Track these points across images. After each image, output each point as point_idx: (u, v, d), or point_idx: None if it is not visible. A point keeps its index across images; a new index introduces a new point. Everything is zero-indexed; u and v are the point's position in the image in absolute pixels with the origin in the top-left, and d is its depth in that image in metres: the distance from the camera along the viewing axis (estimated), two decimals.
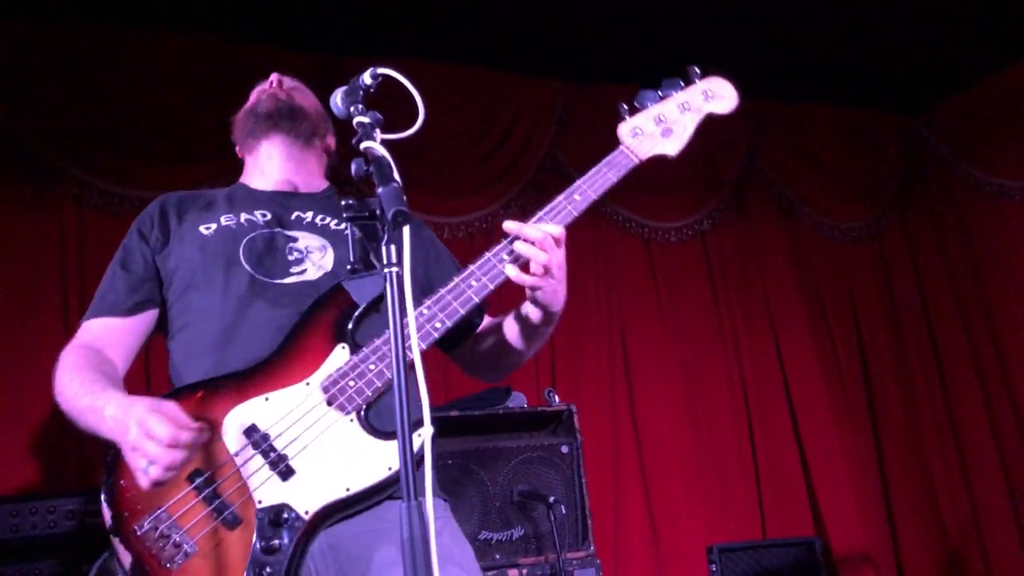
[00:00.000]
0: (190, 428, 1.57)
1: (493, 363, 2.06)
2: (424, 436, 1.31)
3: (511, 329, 1.95)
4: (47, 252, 4.02)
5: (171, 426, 1.55)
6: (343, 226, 1.97)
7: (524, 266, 1.78)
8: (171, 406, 1.61)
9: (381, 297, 1.75)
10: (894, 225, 6.22)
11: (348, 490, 1.65)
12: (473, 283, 1.77)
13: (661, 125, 1.94)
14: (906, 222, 6.26)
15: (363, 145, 1.52)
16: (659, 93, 1.97)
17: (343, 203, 1.55)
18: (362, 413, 1.71)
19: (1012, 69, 5.67)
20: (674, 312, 5.36)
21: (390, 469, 1.66)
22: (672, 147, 1.96)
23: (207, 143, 4.12)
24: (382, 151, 1.50)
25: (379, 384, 1.71)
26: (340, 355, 1.74)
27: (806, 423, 5.42)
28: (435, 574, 1.20)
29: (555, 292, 1.82)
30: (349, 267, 1.83)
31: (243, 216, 1.98)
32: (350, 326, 1.76)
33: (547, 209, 1.84)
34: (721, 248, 5.61)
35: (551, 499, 3.44)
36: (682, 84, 1.99)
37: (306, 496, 1.64)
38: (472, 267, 1.80)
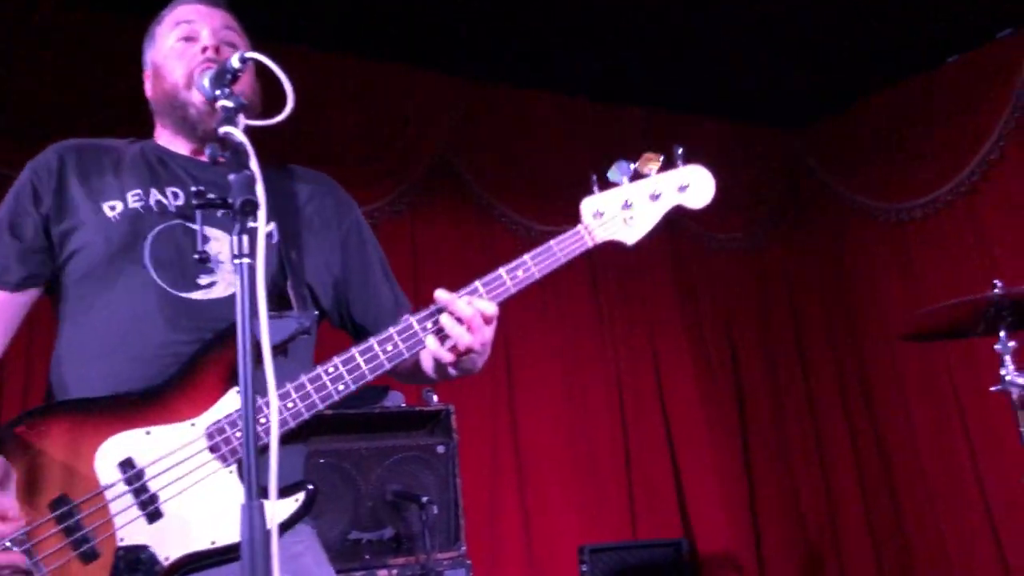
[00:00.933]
0: (9, 520, 1.50)
1: (400, 377, 1.95)
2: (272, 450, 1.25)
3: (427, 363, 1.83)
4: None
5: None
6: (269, 226, 1.79)
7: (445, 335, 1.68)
8: (8, 494, 1.53)
9: (287, 342, 1.66)
10: (771, 238, 6.47)
11: (213, 543, 1.58)
12: (389, 348, 1.66)
13: (625, 212, 1.82)
14: (783, 236, 6.51)
15: (223, 130, 1.46)
16: (634, 167, 1.84)
17: (193, 190, 1.48)
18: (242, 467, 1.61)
19: (886, 93, 5.99)
20: (557, 316, 5.43)
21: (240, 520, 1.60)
22: (631, 236, 1.83)
23: (85, 119, 3.94)
24: (241, 137, 1.43)
25: (266, 439, 1.56)
26: (232, 400, 1.62)
27: (678, 428, 5.59)
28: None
29: (475, 364, 1.74)
30: (197, 255, 1.68)
31: (153, 196, 1.77)
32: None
33: (485, 280, 1.72)
34: (604, 253, 5.65)
35: (424, 499, 3.42)
36: (662, 160, 1.85)
37: (169, 542, 1.57)
38: (392, 330, 1.68)
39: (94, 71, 4.02)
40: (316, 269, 1.86)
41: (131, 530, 1.56)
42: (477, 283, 1.73)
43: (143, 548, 1.56)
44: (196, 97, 1.78)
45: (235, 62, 1.57)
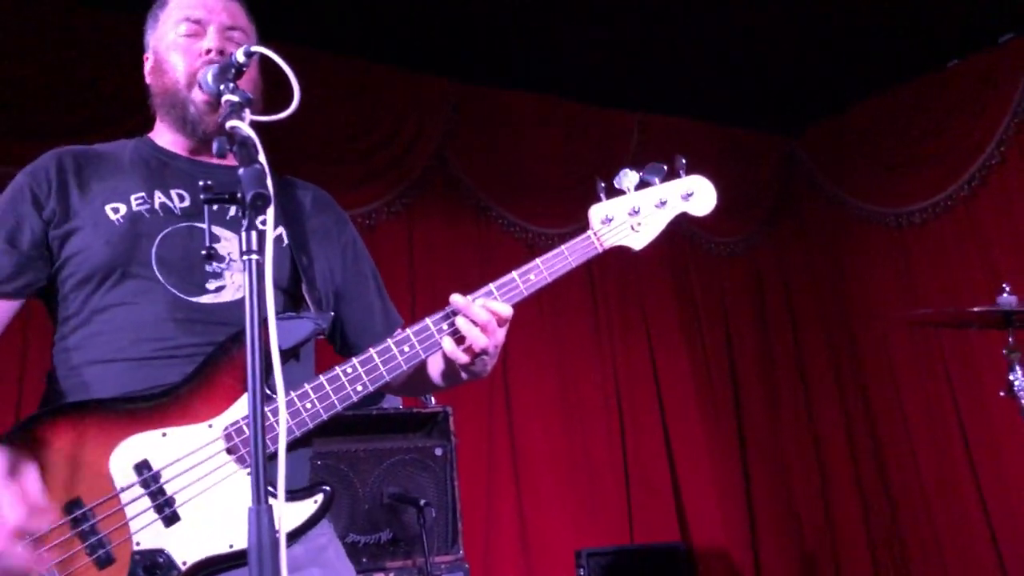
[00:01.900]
0: (46, 517, 1.45)
1: (404, 388, 1.95)
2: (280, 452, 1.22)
3: (435, 369, 1.84)
4: None
5: (23, 510, 1.42)
6: (277, 230, 1.77)
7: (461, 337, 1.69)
8: (33, 481, 1.47)
9: (303, 343, 1.65)
10: (767, 241, 6.46)
11: (231, 546, 1.55)
12: (406, 349, 1.66)
13: (633, 218, 1.88)
14: (778, 239, 6.51)
15: (229, 124, 1.43)
16: (640, 176, 1.88)
17: (201, 183, 1.44)
18: None
19: (885, 97, 5.98)
20: (554, 317, 5.41)
21: (277, 532, 1.58)
22: (638, 242, 1.89)
23: (76, 116, 3.90)
24: (248, 131, 1.41)
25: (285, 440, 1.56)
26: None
27: (676, 431, 5.57)
28: None
29: (485, 367, 1.74)
30: (204, 251, 1.62)
31: (157, 198, 1.73)
32: (267, 371, 1.57)
33: (498, 284, 1.74)
34: (602, 257, 5.67)
35: (422, 502, 3.39)
36: (665, 170, 1.91)
37: (187, 546, 1.54)
38: (408, 331, 1.68)
39: (92, 67, 3.98)
40: (322, 277, 1.85)
41: (147, 534, 1.53)
42: (491, 286, 1.74)
43: (160, 552, 1.53)
44: (197, 96, 1.75)
45: (240, 56, 1.55)
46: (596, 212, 1.87)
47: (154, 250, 1.68)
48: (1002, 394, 3.30)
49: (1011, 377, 3.27)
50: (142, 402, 1.58)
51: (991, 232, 5.43)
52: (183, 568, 1.53)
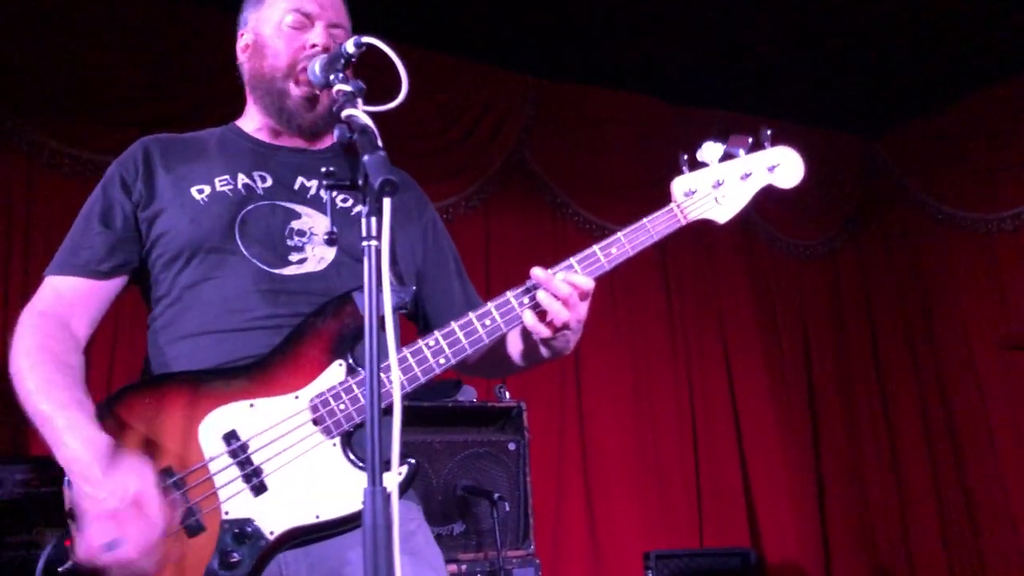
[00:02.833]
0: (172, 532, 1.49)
1: (482, 367, 1.95)
2: (395, 428, 1.23)
3: (514, 347, 1.84)
4: None
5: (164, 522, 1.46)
6: (350, 203, 1.81)
7: (542, 312, 1.67)
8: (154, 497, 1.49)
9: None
10: (848, 245, 6.32)
11: (318, 517, 1.57)
12: (487, 322, 1.66)
13: (716, 191, 1.82)
14: (859, 243, 6.36)
15: (345, 113, 1.46)
16: (724, 148, 1.83)
17: (323, 170, 1.47)
18: (346, 439, 1.61)
19: (968, 100, 5.79)
20: (628, 317, 5.37)
21: (363, 503, 1.59)
22: (723, 215, 1.84)
23: (167, 108, 4.01)
24: (366, 119, 1.43)
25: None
26: (336, 372, 1.62)
27: (750, 435, 5.48)
28: (396, 563, 1.15)
29: (568, 343, 1.73)
30: (327, 236, 1.70)
31: (241, 179, 1.78)
32: (352, 343, 1.63)
33: (579, 258, 1.71)
34: (678, 258, 5.64)
35: (495, 495, 3.40)
36: (750, 142, 1.85)
37: (274, 516, 1.56)
38: (490, 305, 1.68)
39: (189, 59, 4.09)
40: (404, 257, 1.87)
41: (236, 503, 1.56)
42: (572, 260, 1.71)
43: (248, 522, 1.55)
44: (295, 90, 1.80)
45: (350, 47, 1.57)
46: (679, 184, 1.81)
47: (238, 226, 1.73)
48: None
49: None
50: (230, 374, 1.61)
51: None
52: (270, 538, 1.55)
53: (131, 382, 1.66)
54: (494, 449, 3.66)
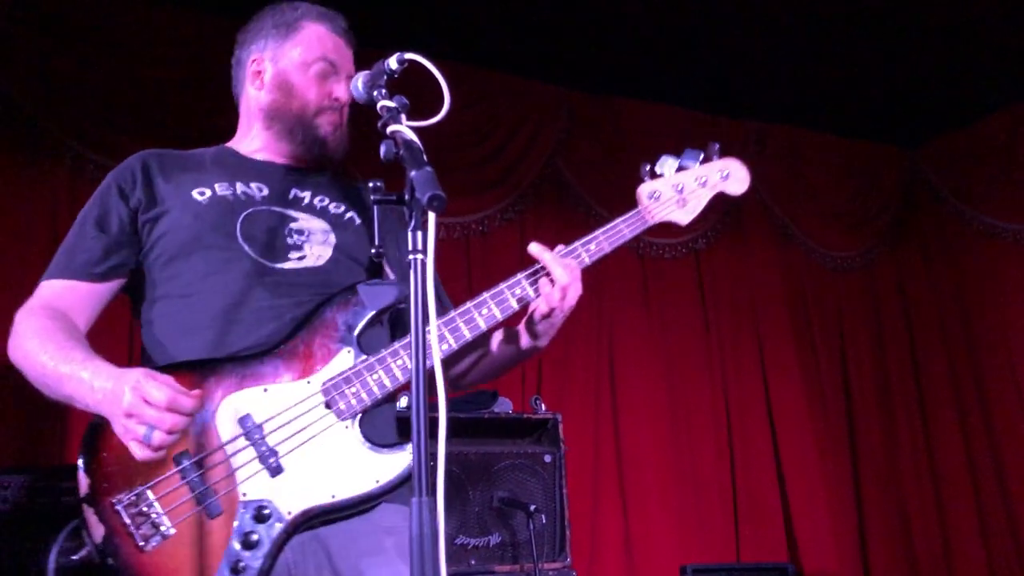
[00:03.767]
0: (188, 394, 1.53)
1: (463, 376, 2.03)
2: (440, 438, 1.26)
3: (501, 352, 1.97)
4: (39, 222, 3.97)
5: (169, 390, 1.51)
6: (342, 209, 1.91)
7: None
8: (166, 376, 1.56)
9: (391, 307, 1.75)
10: (886, 257, 6.24)
11: (333, 497, 1.62)
12: (517, 291, 1.82)
13: (678, 195, 2.01)
14: (897, 254, 6.29)
15: (390, 128, 1.50)
16: (679, 162, 2.03)
17: (370, 185, 1.53)
18: (358, 421, 1.68)
19: (1009, 109, 5.72)
20: (663, 328, 5.35)
21: (377, 482, 1.64)
22: (684, 217, 2.03)
23: (209, 124, 4.07)
24: (411, 135, 1.47)
25: (379, 394, 1.68)
26: (345, 358, 1.70)
27: (787, 448, 5.43)
28: (442, 572, 1.18)
29: (553, 327, 1.89)
30: (373, 251, 1.82)
31: (239, 187, 1.86)
32: (359, 331, 1.72)
33: (564, 252, 1.88)
34: (714, 268, 5.61)
35: (532, 507, 3.41)
36: (702, 156, 2.04)
37: (291, 496, 1.61)
38: (520, 276, 1.83)
39: (225, 75, 4.14)
40: (396, 261, 1.93)
41: (253, 484, 1.60)
42: (557, 251, 1.86)
43: (266, 503, 1.60)
44: (325, 123, 1.92)
45: (392, 63, 1.62)
46: (644, 189, 1.99)
47: (239, 223, 1.80)
48: None
49: None
50: (242, 361, 1.67)
51: None
52: (288, 518, 1.59)
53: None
54: (530, 461, 3.66)
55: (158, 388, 1.50)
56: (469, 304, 1.78)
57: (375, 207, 1.74)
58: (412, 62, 1.61)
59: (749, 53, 5.11)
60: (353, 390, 1.67)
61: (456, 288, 2.23)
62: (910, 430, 5.92)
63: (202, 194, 1.83)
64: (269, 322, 1.73)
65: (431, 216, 1.32)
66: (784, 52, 5.11)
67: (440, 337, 1.74)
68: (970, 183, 5.97)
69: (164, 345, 1.77)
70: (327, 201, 1.92)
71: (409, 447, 1.62)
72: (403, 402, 1.93)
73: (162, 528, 1.55)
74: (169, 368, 1.65)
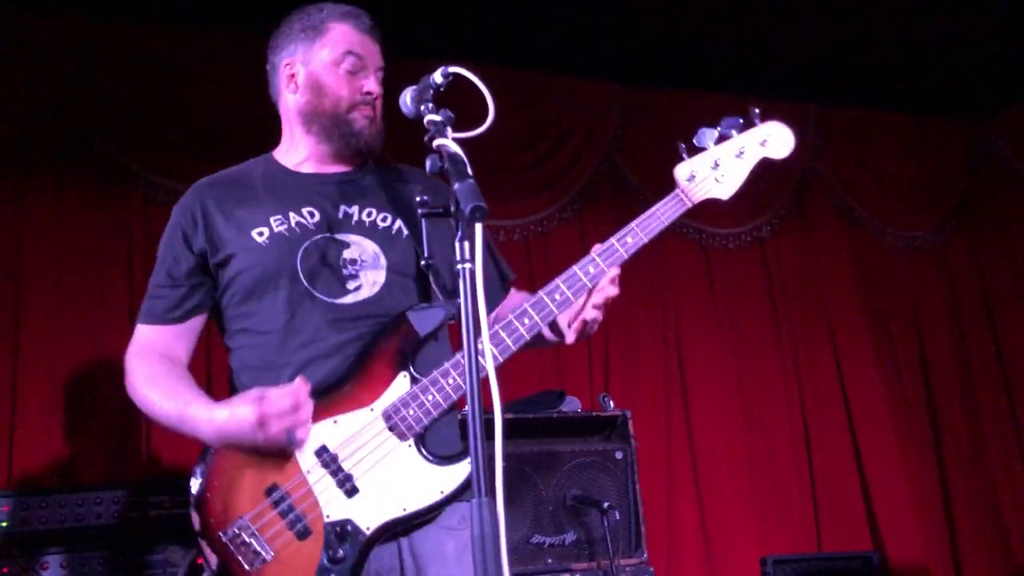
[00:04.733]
0: (300, 392, 1.74)
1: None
2: (497, 438, 1.34)
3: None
4: (115, 250, 4.12)
5: (289, 395, 1.72)
6: (388, 221, 2.01)
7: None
8: (272, 388, 1.77)
9: (439, 328, 1.89)
10: (959, 234, 6.06)
11: (404, 510, 1.81)
12: (591, 269, 1.91)
13: (716, 171, 1.99)
14: (971, 231, 6.09)
15: (436, 142, 1.56)
16: (718, 131, 2.00)
17: (418, 199, 1.64)
18: (419, 439, 1.85)
19: None
20: (730, 319, 5.30)
21: (442, 492, 1.82)
22: (724, 191, 2.02)
23: (272, 142, 4.17)
24: (456, 148, 1.54)
25: (435, 413, 1.85)
26: (402, 383, 1.87)
27: (865, 434, 5.32)
28: (505, 571, 1.25)
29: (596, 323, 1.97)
30: (423, 263, 1.93)
31: (293, 218, 1.98)
32: (411, 356, 1.89)
33: (600, 250, 1.92)
34: (780, 255, 5.53)
35: (605, 504, 3.42)
36: (741, 122, 2.02)
37: (368, 513, 1.80)
38: (594, 254, 1.92)
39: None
40: (442, 262, 2.00)
41: (334, 507, 1.80)
42: (593, 254, 1.92)
43: (347, 521, 1.79)
44: (359, 117, 2.02)
45: (438, 78, 1.68)
46: (681, 171, 1.99)
47: (299, 260, 1.94)
48: None
49: None
50: (314, 398, 1.81)
51: None
52: (368, 533, 1.79)
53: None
54: (601, 458, 3.66)
55: (279, 396, 1.72)
56: (510, 316, 1.89)
57: (422, 220, 1.87)
58: (456, 75, 1.65)
59: (804, 34, 5.02)
60: (411, 412, 1.83)
61: (519, 288, 2.27)
62: (994, 410, 5.73)
63: (261, 234, 1.96)
64: (334, 358, 1.89)
65: (478, 227, 1.38)
66: (841, 29, 5.01)
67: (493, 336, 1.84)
68: None
69: (243, 380, 1.95)
70: (374, 214, 2.02)
71: (467, 459, 1.71)
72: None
73: (263, 554, 1.75)
74: None
